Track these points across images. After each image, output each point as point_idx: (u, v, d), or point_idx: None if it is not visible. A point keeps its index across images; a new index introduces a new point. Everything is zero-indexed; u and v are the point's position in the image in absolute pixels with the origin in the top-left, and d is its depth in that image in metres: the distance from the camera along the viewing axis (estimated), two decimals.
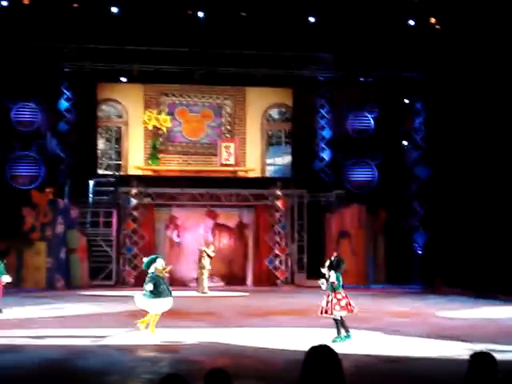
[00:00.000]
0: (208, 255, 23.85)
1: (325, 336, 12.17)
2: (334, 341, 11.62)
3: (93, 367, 9.95)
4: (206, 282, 23.81)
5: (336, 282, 11.93)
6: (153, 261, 12.85)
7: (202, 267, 23.77)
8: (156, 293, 12.41)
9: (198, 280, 24.13)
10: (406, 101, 28.97)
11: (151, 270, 12.63)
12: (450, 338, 12.59)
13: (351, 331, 12.13)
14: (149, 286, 12.38)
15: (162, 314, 12.66)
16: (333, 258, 12.36)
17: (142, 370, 9.87)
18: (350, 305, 11.92)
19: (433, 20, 25.44)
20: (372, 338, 12.65)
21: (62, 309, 17.96)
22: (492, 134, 23.98)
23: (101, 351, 11.36)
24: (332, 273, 12.01)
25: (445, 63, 26.08)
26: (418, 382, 9.10)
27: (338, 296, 11.91)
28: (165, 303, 12.52)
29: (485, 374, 4.61)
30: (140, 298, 12.58)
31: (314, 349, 4.29)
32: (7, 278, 17.08)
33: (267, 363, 10.62)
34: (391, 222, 27.21)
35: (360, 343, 11.97)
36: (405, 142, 29.05)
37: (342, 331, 11.97)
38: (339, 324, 11.98)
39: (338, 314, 11.89)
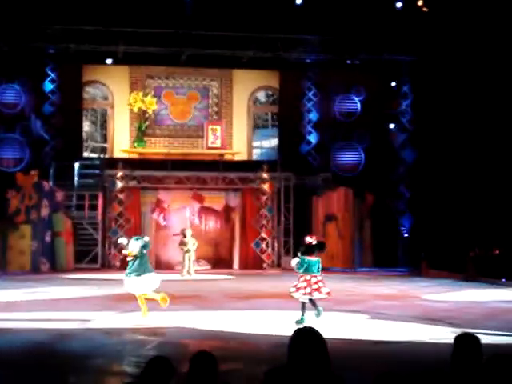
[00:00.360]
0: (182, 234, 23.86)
1: (311, 319, 12.17)
2: (300, 321, 11.81)
3: (78, 350, 9.89)
4: (191, 265, 23.69)
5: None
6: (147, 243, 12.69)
7: (185, 250, 23.70)
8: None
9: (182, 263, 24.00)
10: (393, 84, 28.97)
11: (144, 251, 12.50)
12: (436, 321, 12.62)
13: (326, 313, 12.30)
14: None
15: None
16: (315, 242, 12.45)
17: (127, 352, 9.83)
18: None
19: (420, 2, 25.34)
20: (359, 321, 12.67)
21: (47, 292, 17.87)
22: (479, 117, 24.02)
23: (86, 334, 11.31)
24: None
25: (432, 46, 26.05)
26: (405, 364, 9.09)
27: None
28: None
29: (469, 355, 4.65)
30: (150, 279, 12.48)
31: (299, 331, 4.27)
32: None
33: (254, 346, 10.61)
34: (378, 205, 27.26)
35: (347, 326, 11.99)
36: (392, 125, 29.07)
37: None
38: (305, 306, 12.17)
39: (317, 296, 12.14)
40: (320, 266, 12.32)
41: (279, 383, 4.11)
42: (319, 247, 12.49)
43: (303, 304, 12.15)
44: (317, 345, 4.16)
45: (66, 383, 8.51)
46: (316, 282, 12.09)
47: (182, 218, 26.85)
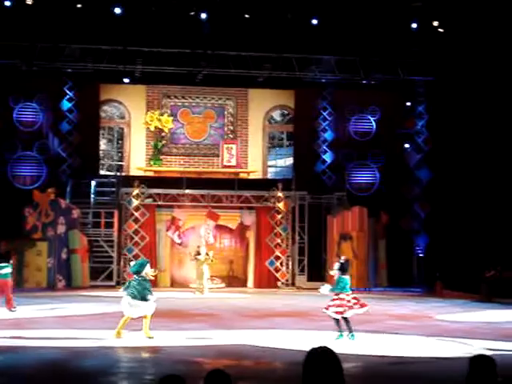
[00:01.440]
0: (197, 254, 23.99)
1: (325, 338, 12.18)
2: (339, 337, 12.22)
3: (92, 368, 9.94)
4: (204, 284, 23.76)
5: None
6: (145, 265, 12.87)
7: (199, 269, 23.83)
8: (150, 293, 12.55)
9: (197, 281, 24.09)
10: (408, 103, 28.99)
11: (143, 273, 12.60)
12: (450, 340, 12.58)
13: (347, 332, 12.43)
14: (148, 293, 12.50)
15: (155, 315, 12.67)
16: (343, 261, 12.76)
17: (141, 370, 9.87)
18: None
19: (435, 23, 25.40)
20: (373, 340, 12.64)
21: (62, 309, 17.95)
22: (494, 137, 23.98)
23: (100, 352, 11.34)
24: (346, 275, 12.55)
25: (447, 66, 26.10)
26: (419, 382, 9.10)
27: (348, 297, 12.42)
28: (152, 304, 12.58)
29: (484, 377, 4.61)
30: (145, 305, 12.48)
31: (313, 350, 4.29)
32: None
33: (268, 365, 10.62)
34: (393, 224, 27.19)
35: (361, 345, 11.97)
36: (407, 145, 29.06)
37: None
38: (341, 323, 12.36)
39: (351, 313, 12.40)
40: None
41: None
42: (348, 265, 12.84)
43: (337, 321, 12.34)
44: (331, 364, 4.17)
45: None
46: (349, 300, 12.37)
47: (197, 236, 26.92)
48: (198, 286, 23.86)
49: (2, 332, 13.11)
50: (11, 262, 17.38)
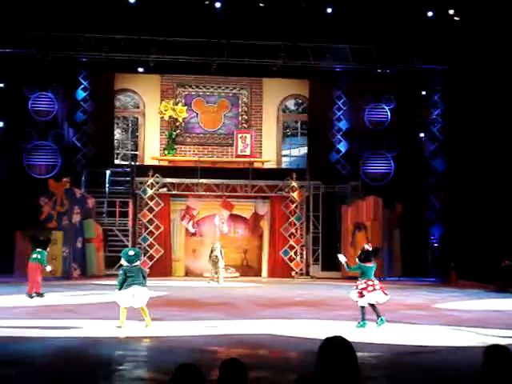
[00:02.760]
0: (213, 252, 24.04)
1: (340, 327, 12.19)
2: (362, 325, 12.51)
3: (106, 357, 9.98)
4: (220, 274, 23.86)
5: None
6: (140, 254, 13.01)
7: (214, 261, 23.90)
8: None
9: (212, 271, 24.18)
10: (424, 92, 28.84)
11: (138, 262, 12.68)
12: (465, 330, 12.56)
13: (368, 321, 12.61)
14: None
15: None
16: (371, 249, 13.08)
17: (156, 360, 9.91)
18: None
19: (451, 11, 25.21)
20: (389, 330, 12.63)
21: (77, 298, 18.07)
22: (510, 126, 23.81)
23: (115, 341, 11.41)
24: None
25: (463, 55, 25.93)
26: (434, 372, 9.09)
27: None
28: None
29: (499, 366, 4.61)
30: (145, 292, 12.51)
31: (328, 340, 4.30)
32: (49, 268, 18.12)
33: (283, 354, 10.64)
34: (407, 214, 27.11)
35: (377, 334, 11.97)
36: (422, 134, 28.95)
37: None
38: (365, 311, 12.65)
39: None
40: (374, 271, 12.88)
41: None
42: (375, 253, 13.16)
43: (362, 308, 12.59)
44: (346, 354, 4.18)
45: None
46: (373, 286, 12.60)
47: (211, 225, 26.98)
48: (211, 275, 23.93)
49: (17, 322, 13.21)
50: (47, 249, 18.38)
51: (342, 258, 13.37)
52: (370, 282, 12.62)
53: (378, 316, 12.56)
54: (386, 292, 12.68)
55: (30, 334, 11.78)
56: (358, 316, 12.62)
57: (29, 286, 17.59)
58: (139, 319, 12.62)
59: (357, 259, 13.02)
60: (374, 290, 12.58)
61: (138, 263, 12.68)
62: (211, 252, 24.10)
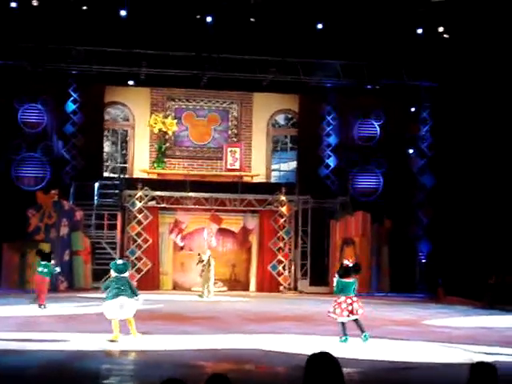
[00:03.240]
0: (201, 261, 23.99)
1: (327, 342, 12.18)
2: (344, 341, 12.56)
3: (93, 371, 9.94)
4: (210, 288, 23.77)
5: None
6: (128, 265, 13.30)
7: (203, 274, 23.86)
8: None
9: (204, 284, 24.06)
10: (413, 109, 28.99)
11: (127, 274, 12.73)
12: (451, 346, 12.57)
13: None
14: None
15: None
16: (351, 265, 13.22)
17: (143, 373, 9.87)
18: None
19: (440, 29, 25.40)
20: (375, 345, 12.63)
21: (64, 310, 17.98)
22: (498, 143, 23.98)
23: (102, 355, 11.36)
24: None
25: (451, 72, 26.11)
26: None
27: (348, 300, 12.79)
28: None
29: (485, 383, 4.61)
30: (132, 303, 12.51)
31: (314, 356, 4.30)
32: (58, 269, 19.84)
33: (269, 369, 10.61)
34: (396, 230, 27.17)
35: (363, 350, 11.96)
36: (411, 150, 29.06)
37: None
38: (346, 326, 12.73)
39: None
40: (356, 287, 12.97)
41: None
42: (355, 269, 13.10)
43: (342, 324, 12.68)
44: (332, 369, 4.19)
45: None
46: (351, 304, 12.67)
47: (200, 239, 26.94)
48: (203, 290, 23.79)
49: (6, 334, 13.13)
50: (52, 262, 19.22)
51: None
52: (348, 300, 12.67)
53: (362, 331, 12.62)
54: (360, 305, 12.75)
55: (16, 346, 11.71)
56: (339, 332, 12.64)
57: (40, 298, 18.28)
58: (126, 332, 12.56)
59: (336, 275, 13.12)
60: (352, 307, 12.63)
61: (126, 274, 12.67)
62: (200, 262, 24.02)
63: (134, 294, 12.47)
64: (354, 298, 12.76)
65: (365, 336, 12.59)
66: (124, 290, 12.32)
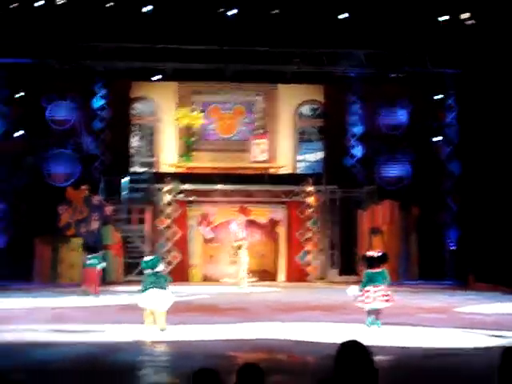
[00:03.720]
0: (238, 248, 24.03)
1: (356, 331, 12.28)
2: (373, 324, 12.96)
3: (126, 362, 10.11)
4: (244, 279, 23.82)
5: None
6: (160, 260, 13.52)
7: (237, 263, 23.96)
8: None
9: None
10: (438, 96, 28.81)
11: (160, 268, 13.07)
12: (482, 333, 12.59)
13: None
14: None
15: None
16: (376, 255, 13.52)
17: (175, 364, 10.03)
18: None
19: (465, 15, 25.20)
20: (406, 333, 12.70)
21: (96, 303, 18.25)
22: None
23: (134, 346, 11.54)
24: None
25: (477, 58, 25.90)
26: (452, 374, 9.15)
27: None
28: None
29: None
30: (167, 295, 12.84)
31: (344, 344, 4.39)
32: (103, 265, 21.13)
33: (300, 358, 10.73)
34: (424, 218, 27.10)
35: (394, 337, 12.04)
36: (437, 138, 28.92)
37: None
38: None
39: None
40: (386, 276, 13.14)
41: None
42: (381, 259, 13.34)
43: (368, 312, 13.03)
44: (362, 358, 4.27)
45: None
46: (378, 293, 12.88)
47: (228, 231, 27.10)
48: (240, 280, 23.85)
49: (37, 326, 13.39)
50: (100, 254, 21.13)
51: (351, 290, 13.43)
52: (375, 289, 12.90)
53: (376, 320, 12.93)
54: (388, 299, 12.96)
55: (51, 338, 11.94)
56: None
57: (91, 288, 20.00)
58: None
59: (364, 268, 13.50)
60: (378, 297, 12.88)
61: (159, 269, 13.03)
62: (238, 249, 24.09)
63: (164, 285, 12.77)
64: (382, 288, 12.93)
65: (372, 322, 12.92)
66: (157, 283, 12.68)
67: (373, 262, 13.19)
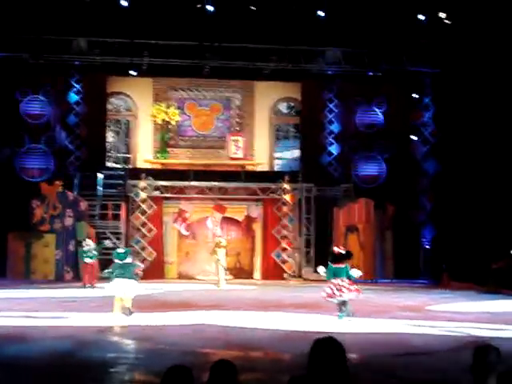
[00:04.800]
0: (216, 246, 23.80)
1: (330, 326, 12.26)
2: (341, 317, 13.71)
3: (98, 359, 9.99)
4: (222, 278, 23.61)
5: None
6: (130, 252, 15.47)
7: (215, 261, 23.78)
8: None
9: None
10: (415, 95, 28.94)
11: (129, 260, 14.68)
12: (455, 331, 12.63)
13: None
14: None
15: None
16: (342, 251, 14.37)
17: (149, 362, 9.93)
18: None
19: (442, 15, 25.32)
20: (378, 330, 12.70)
21: (69, 299, 18.08)
22: (501, 129, 23.93)
23: (107, 342, 11.44)
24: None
25: (454, 58, 26.05)
26: (425, 372, 9.15)
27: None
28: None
29: (489, 366, 4.63)
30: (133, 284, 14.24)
31: (318, 341, 4.34)
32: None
33: (275, 355, 10.67)
34: (399, 216, 27.21)
35: (367, 335, 12.04)
36: (413, 137, 29.04)
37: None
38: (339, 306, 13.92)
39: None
40: (349, 271, 13.90)
41: None
42: (346, 256, 14.18)
43: (338, 304, 13.82)
44: (336, 354, 4.22)
45: None
46: (342, 285, 13.68)
47: (204, 228, 27.00)
48: (218, 278, 23.64)
49: (10, 320, 13.23)
50: (96, 246, 22.82)
51: (321, 270, 14.31)
52: (340, 282, 13.68)
53: (345, 311, 13.71)
54: (352, 290, 13.75)
55: (20, 333, 11.78)
56: (336, 311, 13.87)
57: (85, 280, 21.90)
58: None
59: (329, 263, 14.12)
60: (344, 289, 13.64)
61: (128, 260, 14.61)
62: (216, 246, 23.78)
63: (133, 277, 14.33)
64: (346, 281, 13.70)
65: (340, 316, 13.64)
66: (125, 273, 14.13)
67: (337, 258, 14.02)
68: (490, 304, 18.27)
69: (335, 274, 13.79)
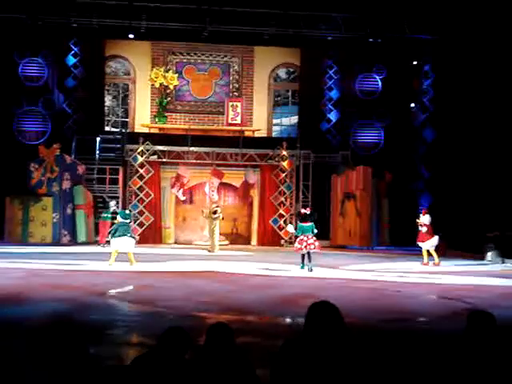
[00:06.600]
0: (213, 212, 23.71)
1: (319, 289, 12.33)
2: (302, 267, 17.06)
3: (97, 321, 10.05)
4: (216, 244, 23.61)
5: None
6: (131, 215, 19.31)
7: (210, 228, 23.71)
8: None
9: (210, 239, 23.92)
10: (415, 62, 28.78)
11: (129, 221, 17.80)
12: (452, 299, 12.71)
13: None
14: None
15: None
16: (308, 212, 17.48)
17: (146, 323, 10.00)
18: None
19: None
20: (374, 297, 12.77)
21: (67, 263, 18.13)
22: (500, 97, 23.85)
23: (105, 305, 11.51)
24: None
25: (454, 25, 25.84)
26: (419, 339, 9.22)
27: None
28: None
29: (483, 332, 4.66)
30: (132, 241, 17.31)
31: (314, 304, 4.38)
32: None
33: (271, 319, 10.74)
34: (397, 184, 27.21)
35: (361, 301, 12.11)
36: (412, 104, 28.95)
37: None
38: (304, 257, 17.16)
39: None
40: (314, 229, 16.97)
41: (295, 355, 4.23)
42: (309, 216, 17.24)
43: (302, 256, 17.05)
44: (332, 316, 4.26)
45: (84, 354, 8.63)
46: (307, 240, 16.78)
47: (202, 193, 27.01)
48: (210, 244, 23.68)
49: (7, 283, 13.28)
50: (111, 209, 24.27)
51: (290, 228, 19.00)
52: (304, 238, 16.81)
53: (308, 262, 16.79)
54: (315, 246, 16.81)
55: (19, 296, 11.84)
56: (299, 262, 17.06)
57: (100, 238, 24.34)
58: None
59: (298, 222, 17.57)
60: (309, 242, 16.72)
61: (129, 221, 17.65)
62: (213, 213, 23.65)
63: (133, 236, 17.84)
64: (310, 237, 16.76)
65: (302, 266, 16.96)
66: (127, 231, 17.18)
67: (304, 218, 17.17)
68: (486, 272, 18.35)
69: (303, 231, 16.90)
